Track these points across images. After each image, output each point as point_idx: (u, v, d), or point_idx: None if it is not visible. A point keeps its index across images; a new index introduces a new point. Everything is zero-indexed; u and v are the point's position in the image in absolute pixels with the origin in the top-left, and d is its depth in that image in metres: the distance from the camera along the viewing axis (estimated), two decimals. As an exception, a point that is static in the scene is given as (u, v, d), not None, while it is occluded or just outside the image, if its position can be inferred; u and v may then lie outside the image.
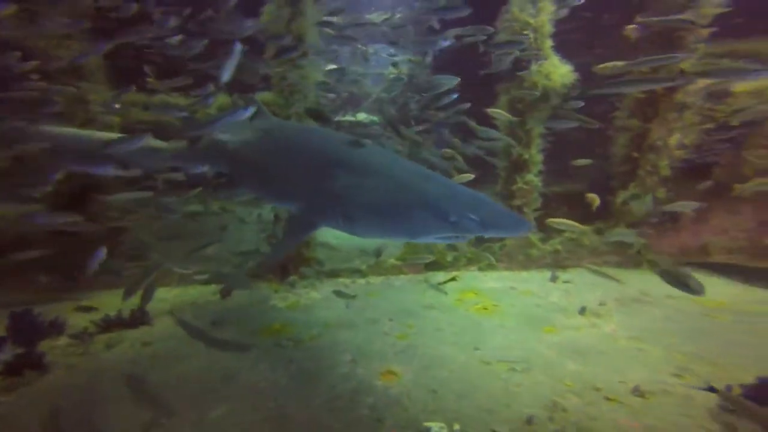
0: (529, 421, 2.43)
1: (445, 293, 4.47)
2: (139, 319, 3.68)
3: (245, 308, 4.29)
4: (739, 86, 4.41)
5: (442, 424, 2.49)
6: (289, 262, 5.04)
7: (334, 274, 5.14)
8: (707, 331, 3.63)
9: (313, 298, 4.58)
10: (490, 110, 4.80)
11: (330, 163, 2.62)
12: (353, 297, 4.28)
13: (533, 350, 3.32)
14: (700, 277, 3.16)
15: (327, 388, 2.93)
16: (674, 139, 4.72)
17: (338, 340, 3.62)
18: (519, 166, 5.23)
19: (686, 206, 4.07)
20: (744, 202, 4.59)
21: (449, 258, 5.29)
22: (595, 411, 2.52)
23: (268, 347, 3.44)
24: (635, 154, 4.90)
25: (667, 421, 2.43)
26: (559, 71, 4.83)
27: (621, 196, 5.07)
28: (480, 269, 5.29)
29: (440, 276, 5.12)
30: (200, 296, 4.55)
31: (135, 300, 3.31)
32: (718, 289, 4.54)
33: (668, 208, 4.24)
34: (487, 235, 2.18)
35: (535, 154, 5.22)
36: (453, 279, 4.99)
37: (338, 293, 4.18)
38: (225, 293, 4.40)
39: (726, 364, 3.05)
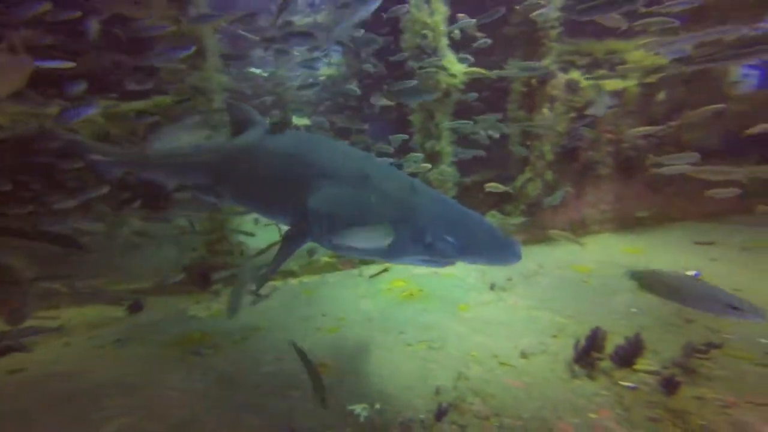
0: (437, 391, 2.68)
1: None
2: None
3: (157, 323, 4.01)
4: (586, 82, 5.30)
5: (365, 405, 2.63)
6: (209, 270, 4.82)
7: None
8: (581, 295, 4.23)
9: (240, 304, 4.43)
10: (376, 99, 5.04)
11: (315, 173, 2.42)
12: (266, 296, 4.25)
13: (449, 328, 3.64)
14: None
15: (250, 388, 2.90)
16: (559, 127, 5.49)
17: (267, 341, 3.58)
18: (433, 158, 5.64)
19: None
20: (603, 178, 5.51)
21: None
22: (490, 375, 2.87)
23: (183, 356, 3.28)
24: (528, 142, 5.59)
25: (539, 377, 2.86)
26: (455, 68, 5.33)
27: (519, 180, 5.73)
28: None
29: (373, 269, 5.29)
30: (99, 316, 4.13)
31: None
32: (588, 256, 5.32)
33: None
34: (466, 262, 1.92)
35: (446, 146, 5.65)
36: (385, 270, 5.19)
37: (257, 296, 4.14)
38: (134, 308, 4.06)
39: (589, 321, 3.46)
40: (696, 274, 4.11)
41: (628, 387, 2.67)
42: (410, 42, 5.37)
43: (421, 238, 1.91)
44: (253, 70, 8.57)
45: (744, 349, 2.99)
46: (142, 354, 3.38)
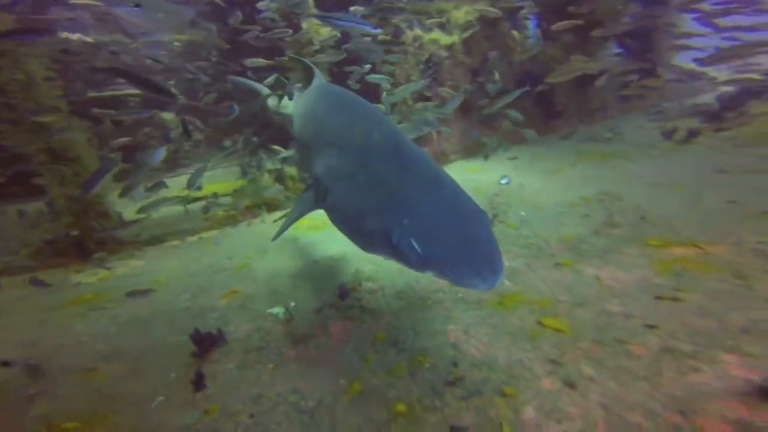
0: (342, 285, 3.31)
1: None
2: None
3: (28, 295, 3.61)
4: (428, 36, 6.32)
5: (281, 307, 3.09)
6: (85, 239, 4.40)
7: (157, 240, 4.81)
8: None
9: (134, 266, 4.25)
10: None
11: (331, 140, 2.26)
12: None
13: (349, 246, 4.27)
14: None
15: (166, 322, 3.04)
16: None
17: (174, 288, 3.64)
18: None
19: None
20: (452, 119, 6.75)
21: (282, 198, 5.74)
22: (379, 268, 3.57)
23: (83, 312, 3.17)
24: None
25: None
26: (323, 31, 5.78)
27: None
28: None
29: (277, 215, 5.52)
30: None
31: None
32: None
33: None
34: (430, 274, 1.52)
35: None
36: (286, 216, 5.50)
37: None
38: None
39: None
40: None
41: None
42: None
43: (388, 236, 1.60)
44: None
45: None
46: (33, 319, 3.12)
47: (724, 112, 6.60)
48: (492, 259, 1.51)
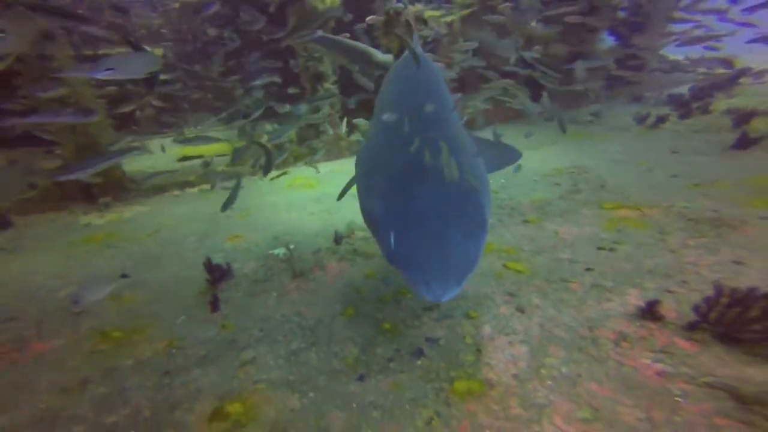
0: (336, 233, 3.71)
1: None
2: None
3: (46, 233, 3.90)
4: (429, 13, 6.43)
5: (282, 248, 3.49)
6: (92, 186, 4.61)
7: (160, 189, 5.06)
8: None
9: (138, 211, 4.52)
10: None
11: (380, 111, 2.28)
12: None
13: (344, 202, 4.65)
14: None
15: (177, 260, 3.41)
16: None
17: (181, 231, 3.97)
18: (318, 77, 6.17)
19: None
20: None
21: (277, 159, 5.99)
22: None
23: (99, 250, 3.49)
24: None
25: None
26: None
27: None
28: (305, 164, 6.27)
29: (273, 174, 5.78)
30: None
31: None
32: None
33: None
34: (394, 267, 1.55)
35: (328, 67, 6.23)
36: (284, 173, 5.76)
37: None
38: (2, 225, 3.81)
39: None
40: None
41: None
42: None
43: (378, 220, 1.62)
44: None
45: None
46: (56, 255, 3.42)
47: (691, 102, 7.10)
48: (448, 274, 1.43)
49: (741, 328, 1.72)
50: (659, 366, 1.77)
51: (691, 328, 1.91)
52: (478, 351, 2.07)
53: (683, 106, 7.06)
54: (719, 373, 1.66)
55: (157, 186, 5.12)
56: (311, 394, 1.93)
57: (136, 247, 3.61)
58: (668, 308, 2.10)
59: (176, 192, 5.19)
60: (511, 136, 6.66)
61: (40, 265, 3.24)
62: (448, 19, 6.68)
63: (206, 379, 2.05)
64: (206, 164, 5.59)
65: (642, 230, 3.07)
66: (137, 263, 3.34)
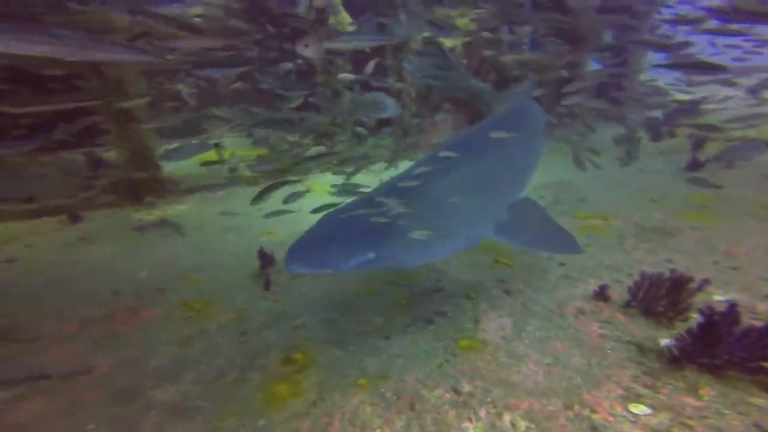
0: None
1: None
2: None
3: (110, 227, 4.54)
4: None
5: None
6: (138, 186, 5.25)
7: (194, 189, 5.72)
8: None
9: (179, 209, 5.18)
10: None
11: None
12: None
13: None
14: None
15: (223, 251, 4.08)
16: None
17: (220, 226, 4.64)
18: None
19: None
20: (447, 112, 7.83)
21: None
22: None
23: (156, 240, 4.16)
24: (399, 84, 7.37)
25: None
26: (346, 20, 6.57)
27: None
28: (321, 171, 6.97)
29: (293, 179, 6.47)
30: (38, 228, 4.40)
31: None
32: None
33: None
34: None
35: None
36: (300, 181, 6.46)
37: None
38: (74, 219, 4.43)
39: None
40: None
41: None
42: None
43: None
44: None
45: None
46: (124, 245, 4.09)
47: (663, 126, 7.99)
48: (303, 253, 2.02)
49: (655, 303, 2.46)
50: (602, 331, 2.51)
51: (626, 305, 2.65)
52: (476, 321, 2.79)
53: (655, 130, 7.94)
54: (636, 335, 2.41)
55: (191, 187, 5.77)
56: (350, 348, 2.61)
57: (186, 239, 4.27)
58: (615, 292, 2.84)
59: (207, 194, 5.85)
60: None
61: (115, 253, 3.90)
62: (451, 44, 7.45)
63: (272, 338, 2.73)
64: (233, 170, 6.25)
65: (605, 235, 3.83)
66: (191, 252, 4.00)
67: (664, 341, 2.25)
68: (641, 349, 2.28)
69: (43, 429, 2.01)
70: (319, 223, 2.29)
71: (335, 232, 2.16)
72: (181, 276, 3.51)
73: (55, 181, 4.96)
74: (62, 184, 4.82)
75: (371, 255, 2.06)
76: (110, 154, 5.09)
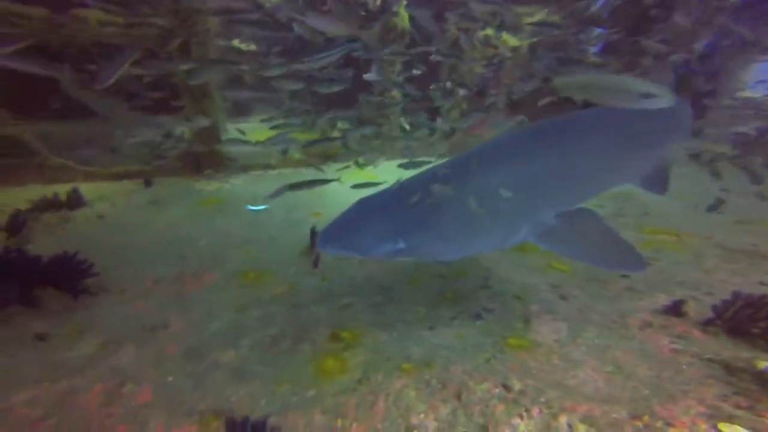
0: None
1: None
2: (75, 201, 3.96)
3: (175, 193, 4.88)
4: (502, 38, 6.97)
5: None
6: (200, 159, 5.59)
7: (247, 167, 6.00)
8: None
9: (234, 183, 5.46)
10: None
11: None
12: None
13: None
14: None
15: (273, 226, 4.23)
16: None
17: (270, 203, 4.82)
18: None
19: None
20: (500, 111, 7.51)
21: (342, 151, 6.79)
22: None
23: (215, 211, 4.40)
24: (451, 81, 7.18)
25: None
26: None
27: (445, 106, 7.40)
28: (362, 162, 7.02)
29: (337, 165, 6.59)
30: (120, 189, 4.83)
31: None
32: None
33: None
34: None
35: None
36: (347, 167, 6.55)
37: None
38: (147, 183, 4.80)
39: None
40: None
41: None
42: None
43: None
44: None
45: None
46: (185, 213, 4.39)
47: (755, 140, 7.16)
48: (335, 235, 2.02)
49: (749, 324, 2.19)
50: (674, 345, 2.28)
51: (707, 323, 2.39)
52: (527, 321, 2.65)
53: (744, 146, 7.14)
54: (721, 354, 2.16)
55: (244, 165, 6.05)
56: (395, 333, 2.59)
57: (240, 213, 4.49)
58: (691, 308, 2.58)
59: (259, 172, 6.11)
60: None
61: (180, 218, 4.20)
62: (515, 43, 7.18)
63: (320, 313, 2.77)
64: (284, 152, 6.45)
65: (678, 252, 3.50)
66: (244, 225, 4.19)
67: (765, 364, 1.99)
68: (729, 368, 2.04)
69: (137, 374, 2.19)
70: (357, 205, 2.21)
71: (370, 216, 2.08)
72: (235, 246, 3.68)
73: (134, 149, 5.43)
74: (139, 153, 5.29)
75: (402, 245, 1.98)
76: (182, 128, 5.47)
